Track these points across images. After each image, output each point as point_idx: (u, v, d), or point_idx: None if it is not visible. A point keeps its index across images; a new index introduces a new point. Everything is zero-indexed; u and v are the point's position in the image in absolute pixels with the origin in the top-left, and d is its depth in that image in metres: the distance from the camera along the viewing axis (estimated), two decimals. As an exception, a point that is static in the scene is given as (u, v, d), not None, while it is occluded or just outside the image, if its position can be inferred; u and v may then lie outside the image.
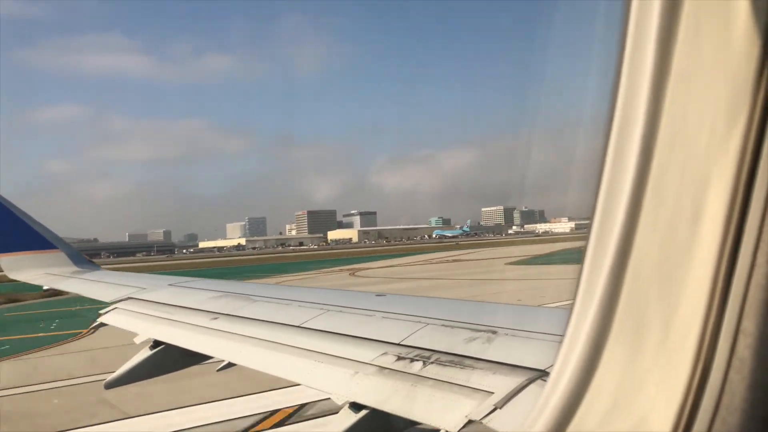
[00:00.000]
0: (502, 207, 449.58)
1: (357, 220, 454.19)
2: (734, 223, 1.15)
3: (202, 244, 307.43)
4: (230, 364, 5.47)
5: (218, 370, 5.74)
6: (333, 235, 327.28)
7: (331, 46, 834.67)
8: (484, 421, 3.17)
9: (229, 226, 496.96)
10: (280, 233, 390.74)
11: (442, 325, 4.48)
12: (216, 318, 6.25)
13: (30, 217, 11.17)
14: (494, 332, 4.07)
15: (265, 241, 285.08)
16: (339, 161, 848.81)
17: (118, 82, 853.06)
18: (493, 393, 3.33)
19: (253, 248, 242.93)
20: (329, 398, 4.12)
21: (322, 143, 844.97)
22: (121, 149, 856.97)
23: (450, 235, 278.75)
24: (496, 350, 3.79)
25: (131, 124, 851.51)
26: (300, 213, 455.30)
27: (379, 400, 3.81)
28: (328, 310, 5.57)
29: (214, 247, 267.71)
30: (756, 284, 1.14)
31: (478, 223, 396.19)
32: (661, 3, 1.17)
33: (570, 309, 1.36)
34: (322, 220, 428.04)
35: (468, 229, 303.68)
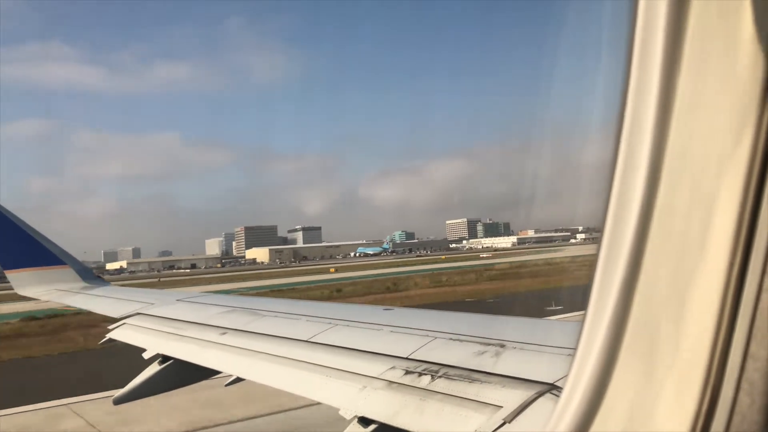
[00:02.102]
0: (465, 219, 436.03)
1: (300, 235, 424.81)
2: (742, 242, 1.16)
3: (109, 266, 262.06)
4: (239, 379, 5.49)
5: (227, 385, 5.75)
6: (249, 254, 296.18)
7: (286, 53, 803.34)
8: None
9: (207, 241, 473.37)
10: (223, 250, 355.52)
11: (450, 339, 4.48)
12: (224, 333, 6.27)
13: (39, 233, 11.25)
14: (502, 345, 4.07)
15: (150, 263, 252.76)
16: (322, 174, 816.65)
17: (75, 95, 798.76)
18: (502, 407, 3.32)
19: (131, 272, 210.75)
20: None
21: (303, 155, 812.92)
22: (96, 165, 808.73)
23: (372, 252, 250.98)
24: (505, 364, 3.79)
25: (102, 139, 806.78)
26: (239, 229, 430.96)
27: (387, 414, 3.81)
28: (336, 325, 5.58)
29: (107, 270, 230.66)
30: (764, 308, 1.14)
31: (445, 238, 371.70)
32: (666, 24, 1.19)
33: (581, 323, 1.37)
34: (261, 236, 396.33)
35: (388, 246, 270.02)
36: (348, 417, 4.01)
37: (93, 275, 11.77)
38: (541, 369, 3.54)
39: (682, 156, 1.20)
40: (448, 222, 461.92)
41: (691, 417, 1.20)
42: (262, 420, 16.78)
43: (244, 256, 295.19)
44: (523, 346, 4.02)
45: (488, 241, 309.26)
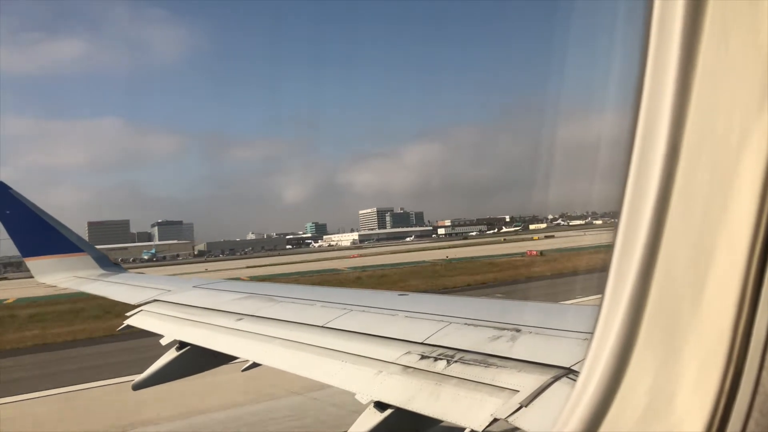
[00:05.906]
0: (375, 209, 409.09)
1: (156, 232, 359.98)
2: (764, 223, 1.13)
3: None
4: (255, 364, 5.53)
5: (243, 370, 5.80)
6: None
7: (180, 24, 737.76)
8: (509, 420, 3.16)
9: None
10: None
11: (466, 324, 4.47)
12: (241, 319, 6.32)
13: (57, 221, 11.39)
14: (518, 330, 4.06)
15: None
16: (280, 159, 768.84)
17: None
18: (518, 391, 3.32)
19: None
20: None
21: (253, 141, 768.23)
22: (40, 154, 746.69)
23: (146, 257, 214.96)
24: (520, 348, 3.79)
25: (34, 126, 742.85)
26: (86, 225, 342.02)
27: (403, 399, 3.82)
28: (351, 310, 5.60)
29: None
30: None
31: (282, 235, 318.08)
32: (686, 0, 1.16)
33: (598, 308, 1.35)
34: (109, 233, 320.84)
35: (154, 252, 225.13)
36: (364, 401, 4.03)
37: (110, 262, 11.90)
38: (558, 353, 3.53)
39: (702, 131, 1.17)
40: (360, 212, 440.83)
41: (713, 396, 1.19)
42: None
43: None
44: (539, 331, 4.01)
45: (336, 238, 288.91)
